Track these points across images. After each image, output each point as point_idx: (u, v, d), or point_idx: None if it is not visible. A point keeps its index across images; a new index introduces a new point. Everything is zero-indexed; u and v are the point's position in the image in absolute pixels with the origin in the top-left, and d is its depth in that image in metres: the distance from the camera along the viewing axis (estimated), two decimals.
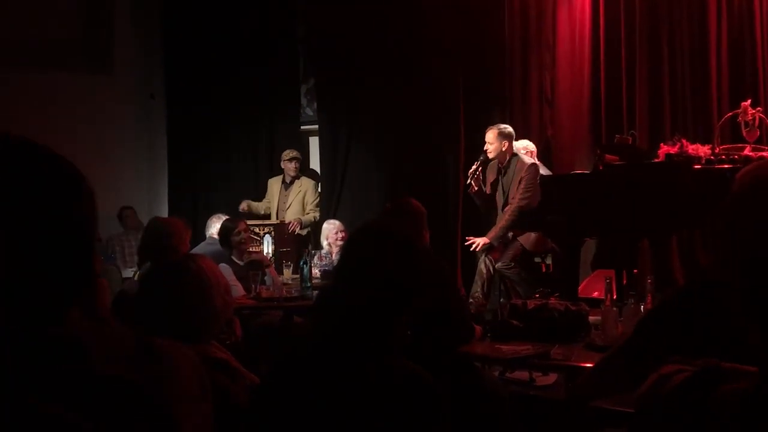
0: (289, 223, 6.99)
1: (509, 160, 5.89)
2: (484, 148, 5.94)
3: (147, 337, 1.04)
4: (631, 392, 2.15)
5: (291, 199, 7.28)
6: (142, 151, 8.01)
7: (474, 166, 5.99)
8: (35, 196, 0.94)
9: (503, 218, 5.80)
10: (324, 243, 6.62)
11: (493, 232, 5.82)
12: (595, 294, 5.10)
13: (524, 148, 6.13)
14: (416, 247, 1.89)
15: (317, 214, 7.31)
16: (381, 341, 1.72)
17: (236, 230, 5.54)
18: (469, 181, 6.06)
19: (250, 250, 5.83)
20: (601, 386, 2.12)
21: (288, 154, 7.27)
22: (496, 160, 5.95)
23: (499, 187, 5.96)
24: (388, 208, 3.64)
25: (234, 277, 5.37)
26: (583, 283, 5.56)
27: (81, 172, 1.00)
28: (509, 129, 5.99)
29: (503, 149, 5.88)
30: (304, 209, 7.26)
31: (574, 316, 3.34)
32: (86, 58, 7.50)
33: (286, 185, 7.33)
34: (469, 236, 6.03)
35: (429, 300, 2.00)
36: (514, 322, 3.38)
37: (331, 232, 6.59)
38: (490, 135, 5.92)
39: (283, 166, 7.32)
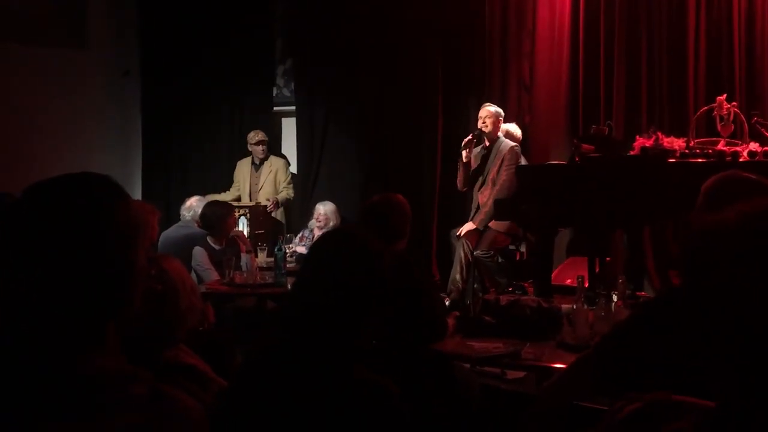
0: (268, 200, 6.96)
1: (495, 141, 5.93)
2: (480, 123, 5.99)
3: (159, 384, 1.10)
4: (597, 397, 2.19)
5: (263, 180, 7.22)
6: (115, 128, 7.87)
7: (470, 137, 6.03)
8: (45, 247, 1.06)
9: (488, 204, 5.82)
10: (314, 223, 6.58)
11: (480, 217, 5.85)
12: (568, 281, 5.14)
13: (508, 131, 6.14)
14: (380, 253, 1.83)
15: (291, 192, 7.27)
16: (341, 350, 1.70)
17: (230, 218, 5.55)
18: (463, 145, 6.09)
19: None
20: (568, 394, 2.16)
21: (254, 137, 7.15)
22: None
23: (480, 165, 6.00)
24: (375, 200, 3.42)
25: (208, 261, 5.35)
26: (557, 270, 5.59)
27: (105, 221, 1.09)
28: (501, 110, 6.07)
29: (495, 127, 5.93)
30: (276, 189, 7.20)
31: (546, 314, 3.37)
32: (60, 32, 7.33)
33: (256, 166, 7.26)
34: (454, 227, 6.11)
35: (396, 307, 1.96)
36: (487, 318, 3.40)
37: (321, 214, 6.55)
38: (485, 111, 5.98)
39: (250, 149, 7.23)
